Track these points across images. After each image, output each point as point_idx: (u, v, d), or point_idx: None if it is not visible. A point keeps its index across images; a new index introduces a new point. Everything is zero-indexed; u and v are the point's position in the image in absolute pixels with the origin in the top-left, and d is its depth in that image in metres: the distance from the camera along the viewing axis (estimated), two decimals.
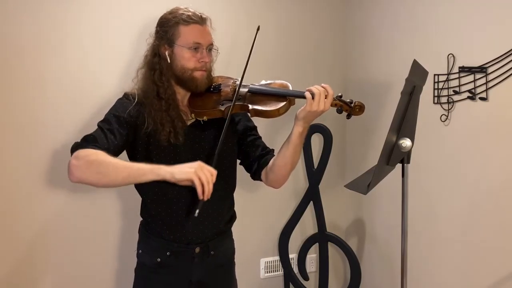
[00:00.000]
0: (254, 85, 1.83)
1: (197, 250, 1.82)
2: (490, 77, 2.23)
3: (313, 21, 2.91)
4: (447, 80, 2.41)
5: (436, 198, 2.50)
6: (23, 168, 2.17)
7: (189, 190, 1.79)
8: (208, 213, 1.82)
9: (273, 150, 1.95)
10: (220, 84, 1.85)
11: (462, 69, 2.35)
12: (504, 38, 2.18)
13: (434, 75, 2.43)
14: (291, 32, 2.84)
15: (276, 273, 2.89)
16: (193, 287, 1.84)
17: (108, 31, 2.31)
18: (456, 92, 2.38)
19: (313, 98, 1.70)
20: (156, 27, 1.83)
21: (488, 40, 2.24)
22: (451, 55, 2.39)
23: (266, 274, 2.86)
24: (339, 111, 1.79)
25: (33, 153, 2.18)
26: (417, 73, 1.75)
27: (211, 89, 1.84)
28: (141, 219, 1.91)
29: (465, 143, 2.36)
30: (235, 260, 1.98)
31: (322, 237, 2.86)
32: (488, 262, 2.28)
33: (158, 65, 1.79)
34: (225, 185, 1.89)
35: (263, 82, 1.86)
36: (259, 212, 2.79)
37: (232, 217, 1.95)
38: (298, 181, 2.90)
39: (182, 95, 1.84)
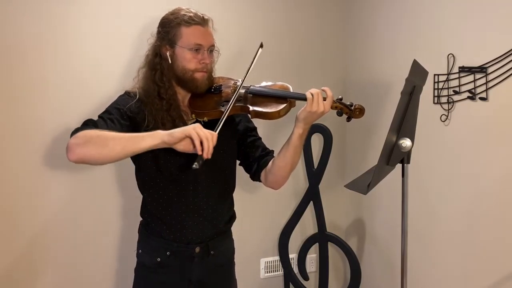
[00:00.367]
0: (255, 86, 1.83)
1: (197, 250, 1.82)
2: (490, 77, 2.23)
3: (313, 23, 2.91)
4: (447, 80, 2.41)
5: (436, 198, 2.50)
6: (23, 167, 2.17)
7: (189, 189, 1.79)
8: (208, 213, 1.83)
9: (272, 151, 1.95)
10: (221, 85, 1.85)
11: (462, 69, 2.35)
12: (504, 38, 2.18)
13: (434, 75, 2.43)
14: (291, 34, 2.84)
15: (276, 273, 2.89)
16: (193, 287, 1.84)
17: (109, 31, 2.31)
18: (456, 92, 2.38)
19: (312, 99, 1.71)
20: (158, 27, 1.83)
21: (488, 40, 2.24)
22: (451, 55, 2.39)
23: (266, 274, 2.86)
24: (339, 114, 1.79)
25: (33, 152, 2.19)
26: (417, 73, 1.75)
27: (212, 90, 1.84)
28: (141, 219, 1.91)
29: (465, 143, 2.36)
30: (235, 260, 1.99)
31: (322, 237, 2.86)
32: (488, 262, 2.28)
33: (159, 65, 1.80)
34: (225, 185, 1.89)
35: (264, 83, 1.86)
36: (259, 212, 2.79)
37: (232, 217, 1.96)
38: (298, 181, 2.91)
39: (182, 96, 1.84)
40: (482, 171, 2.29)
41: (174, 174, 1.78)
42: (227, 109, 1.72)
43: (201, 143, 1.56)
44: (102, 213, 2.35)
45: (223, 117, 1.69)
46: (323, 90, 1.74)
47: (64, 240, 2.26)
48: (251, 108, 1.77)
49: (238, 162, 1.98)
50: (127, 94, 1.82)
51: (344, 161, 3.06)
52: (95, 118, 1.75)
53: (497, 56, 2.20)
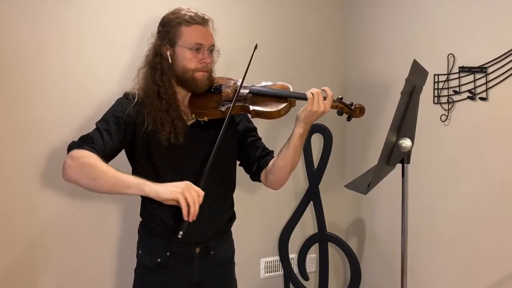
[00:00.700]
0: (255, 86, 1.83)
1: (197, 250, 1.82)
2: (490, 77, 2.24)
3: (313, 22, 2.91)
4: (447, 80, 2.41)
5: (436, 198, 2.50)
6: (23, 168, 2.17)
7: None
8: (208, 213, 1.82)
9: (272, 151, 1.95)
10: (221, 85, 1.85)
11: (462, 69, 2.35)
12: (504, 38, 2.18)
13: (434, 75, 2.43)
14: (291, 33, 2.84)
15: (276, 273, 2.89)
16: (193, 287, 1.84)
17: (109, 31, 2.31)
18: (456, 92, 2.38)
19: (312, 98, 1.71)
20: (158, 27, 1.83)
21: (488, 40, 2.24)
22: (451, 55, 2.39)
23: (266, 274, 2.86)
24: (340, 113, 1.80)
25: (33, 153, 2.18)
26: (417, 73, 1.75)
27: (212, 90, 1.84)
28: (141, 219, 1.91)
29: (465, 143, 2.36)
30: (235, 260, 1.99)
31: (322, 237, 2.86)
32: (488, 262, 2.28)
33: (159, 65, 1.79)
34: (225, 186, 1.89)
35: (264, 83, 1.86)
36: (259, 212, 2.79)
37: (232, 217, 1.95)
38: (298, 181, 2.91)
39: (182, 95, 1.84)
40: (482, 171, 2.29)
41: (174, 180, 1.77)
42: (230, 110, 1.72)
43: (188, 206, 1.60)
44: (102, 213, 2.34)
45: (226, 120, 1.70)
46: (323, 90, 1.74)
47: (64, 240, 2.26)
48: (251, 107, 1.77)
49: (238, 162, 1.98)
50: (125, 97, 1.82)
51: (344, 161, 3.06)
52: (94, 121, 1.76)
53: (497, 56, 2.20)
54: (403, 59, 2.33)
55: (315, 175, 2.82)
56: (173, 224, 1.77)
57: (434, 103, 2.46)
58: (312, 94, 1.71)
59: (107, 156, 1.70)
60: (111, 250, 2.38)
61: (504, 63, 2.18)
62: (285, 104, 1.76)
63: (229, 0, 2.63)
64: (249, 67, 1.78)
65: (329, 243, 2.88)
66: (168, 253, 1.81)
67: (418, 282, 2.54)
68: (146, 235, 1.87)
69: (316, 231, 2.88)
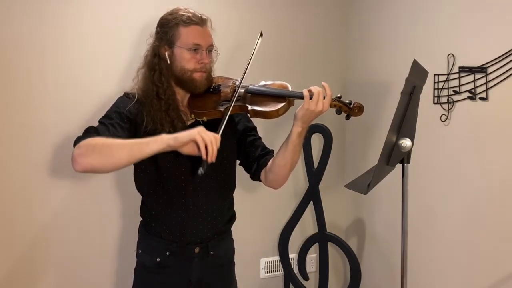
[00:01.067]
0: (254, 85, 1.83)
1: (197, 250, 1.82)
2: (490, 77, 2.23)
3: (313, 22, 2.91)
4: (447, 80, 2.41)
5: (436, 198, 2.50)
6: (23, 168, 2.17)
7: (189, 189, 1.79)
8: (208, 213, 1.83)
9: (272, 150, 1.94)
10: (220, 85, 1.85)
11: (462, 69, 2.35)
12: (504, 38, 2.18)
13: (434, 75, 2.43)
14: (291, 33, 2.83)
15: (276, 273, 2.89)
16: (193, 287, 1.84)
17: (109, 31, 2.30)
18: (456, 92, 2.38)
19: (311, 97, 1.70)
20: (156, 27, 1.83)
21: (488, 40, 2.24)
22: (451, 55, 2.39)
23: (266, 274, 2.86)
24: (338, 112, 1.79)
25: (33, 153, 2.18)
26: (417, 73, 1.75)
27: (211, 90, 1.84)
28: (141, 219, 1.91)
29: (465, 143, 2.35)
30: (235, 260, 1.99)
31: (322, 237, 2.86)
32: (488, 262, 2.28)
33: (158, 65, 1.80)
34: (225, 185, 1.89)
35: (263, 82, 1.86)
36: (259, 212, 2.79)
37: (232, 217, 1.96)
38: (298, 181, 2.91)
39: (181, 96, 1.84)
40: (482, 171, 2.29)
41: (174, 175, 1.78)
42: (228, 110, 1.72)
43: (206, 147, 1.56)
44: (102, 213, 2.34)
45: (225, 118, 1.70)
46: (322, 86, 1.73)
47: (64, 240, 2.26)
48: (250, 107, 1.77)
49: (238, 162, 1.98)
50: (126, 95, 1.83)
51: (344, 161, 3.06)
52: (96, 120, 1.75)
53: (497, 56, 2.20)
54: (403, 59, 2.33)
55: (315, 175, 2.82)
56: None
57: (434, 103, 2.46)
58: (311, 93, 1.70)
59: None
60: (111, 250, 2.38)
61: (504, 63, 2.18)
62: (284, 103, 1.76)
63: (229, 0, 2.63)
64: (249, 65, 1.77)
65: (329, 243, 2.88)
66: (168, 253, 1.81)
67: (418, 282, 2.53)
68: (146, 235, 1.87)
69: (316, 231, 2.88)
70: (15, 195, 2.16)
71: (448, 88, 2.41)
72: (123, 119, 1.73)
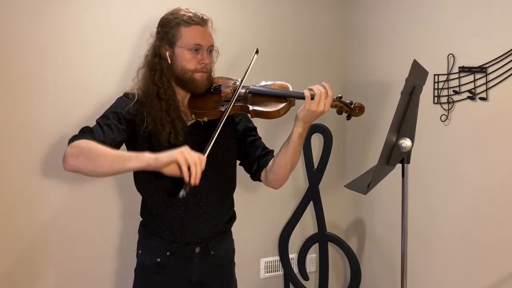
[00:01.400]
0: (254, 86, 1.83)
1: (197, 250, 1.82)
2: (490, 77, 2.23)
3: (313, 22, 2.91)
4: (447, 80, 2.41)
5: (436, 198, 2.50)
6: (23, 168, 2.17)
7: (190, 189, 1.78)
8: (208, 213, 1.83)
9: (272, 151, 1.94)
10: (221, 85, 1.85)
11: (462, 69, 2.35)
12: (504, 38, 2.18)
13: (434, 75, 2.43)
14: (291, 33, 2.84)
15: (276, 273, 2.89)
16: (193, 287, 1.84)
17: (109, 31, 2.31)
18: (456, 92, 2.38)
19: (313, 98, 1.70)
20: (157, 27, 1.83)
21: (488, 40, 2.24)
22: (451, 55, 2.39)
23: (266, 274, 2.86)
24: (339, 112, 1.79)
25: (33, 153, 2.19)
26: (417, 73, 1.75)
27: (212, 90, 1.84)
28: (141, 219, 1.91)
29: (465, 143, 2.36)
30: (235, 260, 1.99)
31: (322, 237, 2.86)
32: (488, 262, 2.28)
33: (159, 65, 1.79)
34: (225, 185, 1.89)
35: (263, 83, 1.86)
36: (259, 212, 2.79)
37: (232, 217, 1.95)
38: (298, 181, 2.91)
39: (182, 96, 1.84)
40: (482, 171, 2.29)
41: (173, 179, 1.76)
42: (226, 111, 1.72)
43: (189, 168, 1.53)
44: (102, 213, 2.34)
45: (214, 136, 1.68)
46: (322, 86, 1.72)
47: (64, 240, 2.26)
48: (250, 107, 1.77)
49: (238, 162, 1.98)
50: (125, 96, 1.82)
51: (344, 161, 3.06)
52: (94, 120, 1.75)
53: (497, 56, 2.20)
54: (403, 59, 2.33)
55: (315, 175, 2.82)
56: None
57: (434, 103, 2.46)
58: (312, 94, 1.70)
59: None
60: (111, 250, 2.38)
61: (504, 63, 2.18)
62: (285, 103, 1.76)
63: (229, 0, 2.63)
64: (249, 69, 1.78)
65: (329, 243, 2.88)
66: (168, 253, 1.81)
67: (418, 282, 2.54)
68: (146, 235, 1.87)
69: (316, 231, 2.88)
70: (15, 195, 2.16)
71: (448, 88, 2.41)
72: (120, 120, 1.73)
